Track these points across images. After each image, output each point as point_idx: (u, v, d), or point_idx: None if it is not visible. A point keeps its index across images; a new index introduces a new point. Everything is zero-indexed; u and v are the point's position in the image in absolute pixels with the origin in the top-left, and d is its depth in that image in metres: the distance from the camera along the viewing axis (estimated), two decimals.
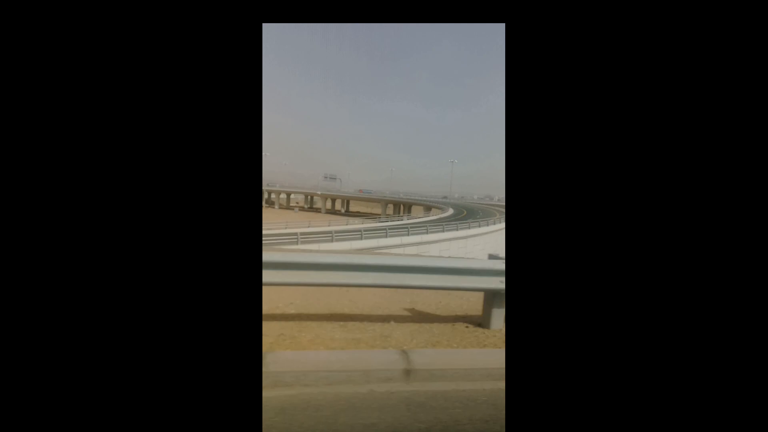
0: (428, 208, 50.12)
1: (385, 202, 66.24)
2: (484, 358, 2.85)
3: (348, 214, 62.86)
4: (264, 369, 2.16)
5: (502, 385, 2.19)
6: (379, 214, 54.78)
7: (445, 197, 74.95)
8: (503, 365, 1.40)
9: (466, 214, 37.35)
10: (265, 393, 1.86)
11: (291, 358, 2.58)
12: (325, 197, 75.04)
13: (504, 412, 1.18)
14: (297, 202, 79.96)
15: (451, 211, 40.27)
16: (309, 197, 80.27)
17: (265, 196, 75.73)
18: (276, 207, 69.57)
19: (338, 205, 79.05)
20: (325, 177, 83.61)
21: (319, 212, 64.82)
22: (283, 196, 77.77)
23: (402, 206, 64.44)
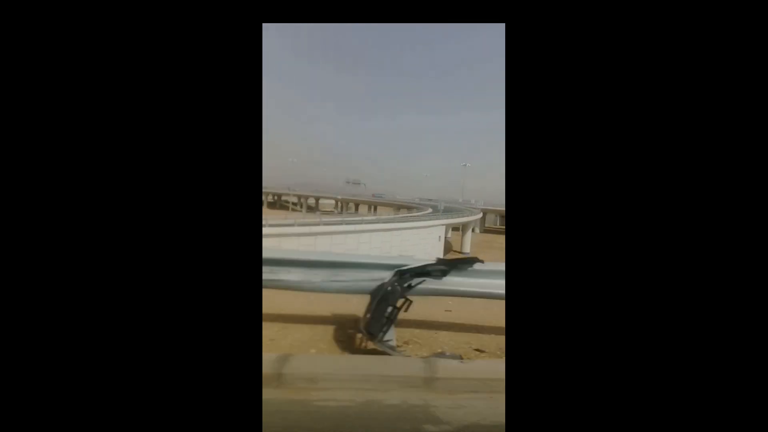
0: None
1: (396, 206, 67.22)
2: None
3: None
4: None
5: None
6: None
7: (430, 200, 77.23)
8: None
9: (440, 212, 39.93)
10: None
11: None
12: (346, 202, 76.49)
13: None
14: (334, 207, 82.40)
15: (429, 210, 42.98)
16: (338, 202, 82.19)
17: (293, 200, 78.06)
18: (303, 210, 71.36)
19: (363, 209, 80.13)
20: (348, 182, 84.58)
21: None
22: (311, 200, 79.77)
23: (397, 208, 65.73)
